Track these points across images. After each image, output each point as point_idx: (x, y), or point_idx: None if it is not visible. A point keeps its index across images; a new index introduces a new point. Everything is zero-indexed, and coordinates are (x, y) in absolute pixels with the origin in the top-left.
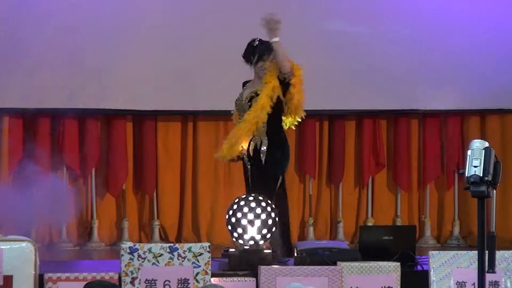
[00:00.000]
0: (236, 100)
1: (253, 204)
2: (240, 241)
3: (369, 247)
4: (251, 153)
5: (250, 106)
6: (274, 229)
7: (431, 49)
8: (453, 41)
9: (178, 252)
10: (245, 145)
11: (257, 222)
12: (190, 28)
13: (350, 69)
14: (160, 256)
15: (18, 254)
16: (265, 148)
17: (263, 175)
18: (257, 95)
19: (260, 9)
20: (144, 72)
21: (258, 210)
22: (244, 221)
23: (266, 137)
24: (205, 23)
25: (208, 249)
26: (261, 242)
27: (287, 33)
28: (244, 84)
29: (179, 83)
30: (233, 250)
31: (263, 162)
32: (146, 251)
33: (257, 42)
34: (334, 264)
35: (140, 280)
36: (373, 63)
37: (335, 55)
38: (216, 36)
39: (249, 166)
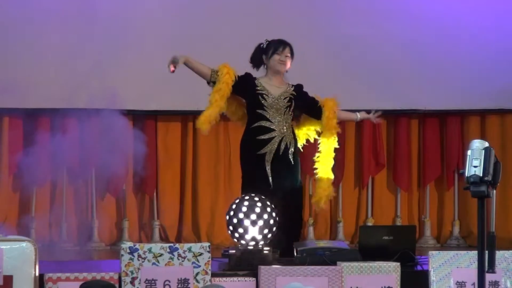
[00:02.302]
0: (265, 95)
1: (255, 204)
2: (242, 241)
3: (369, 247)
4: (281, 152)
5: (288, 107)
6: (274, 229)
7: (431, 49)
8: (453, 41)
9: (178, 252)
10: None
11: (258, 222)
12: (190, 28)
13: (350, 69)
14: (160, 256)
15: (18, 254)
16: (294, 147)
17: (291, 175)
18: (293, 95)
19: (261, 10)
20: (144, 72)
21: (258, 210)
22: (246, 222)
23: (293, 137)
24: (206, 23)
25: (208, 249)
26: (263, 242)
27: (287, 33)
28: (242, 79)
29: (179, 83)
30: (233, 250)
31: (292, 161)
32: (146, 251)
33: (266, 42)
34: (334, 264)
35: (140, 280)
36: (373, 63)
37: (335, 55)
38: (216, 36)
39: (269, 164)
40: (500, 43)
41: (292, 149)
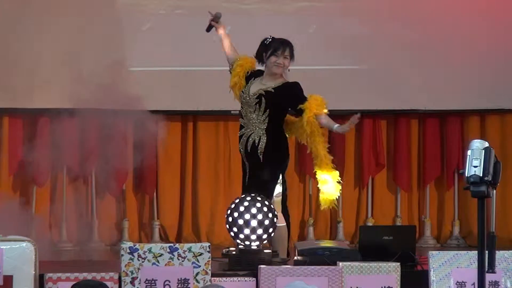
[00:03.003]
0: (242, 92)
1: (256, 204)
2: (243, 241)
3: (369, 247)
4: (249, 150)
5: (257, 104)
6: (272, 229)
7: (431, 49)
8: (453, 41)
9: (178, 252)
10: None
11: (257, 222)
12: (190, 27)
13: (350, 69)
14: (160, 256)
15: (18, 254)
16: (263, 145)
17: (260, 173)
18: (266, 93)
19: (261, 9)
20: (144, 72)
21: (259, 210)
22: (244, 222)
23: (265, 135)
24: (206, 22)
25: (208, 249)
26: (262, 242)
27: (288, 33)
28: (253, 74)
29: (179, 83)
30: (233, 250)
31: (261, 160)
32: (146, 251)
33: (270, 39)
34: (334, 264)
35: (140, 280)
36: (373, 63)
37: (335, 55)
38: (217, 36)
39: (246, 163)
40: (500, 43)
41: (262, 147)
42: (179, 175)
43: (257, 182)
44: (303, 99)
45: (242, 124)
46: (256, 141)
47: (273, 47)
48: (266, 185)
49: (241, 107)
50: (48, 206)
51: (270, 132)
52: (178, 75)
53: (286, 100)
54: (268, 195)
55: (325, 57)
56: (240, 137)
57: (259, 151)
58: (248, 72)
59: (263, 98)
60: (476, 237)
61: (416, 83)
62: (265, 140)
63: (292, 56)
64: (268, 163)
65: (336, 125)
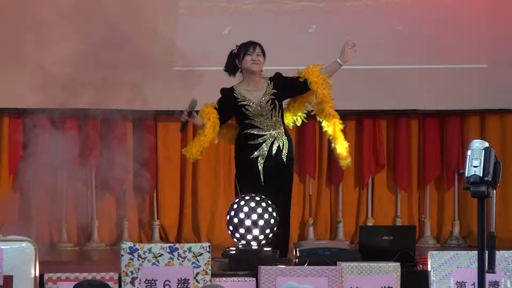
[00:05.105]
0: (246, 108)
1: (257, 204)
2: (243, 241)
3: (369, 247)
4: (273, 154)
5: (273, 109)
6: (274, 229)
7: (431, 49)
8: (453, 41)
9: (178, 252)
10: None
11: (258, 223)
12: (191, 27)
13: (350, 69)
14: (160, 256)
15: (18, 254)
16: (287, 151)
17: (287, 175)
18: (274, 94)
19: (261, 9)
20: (144, 72)
21: (260, 210)
22: (244, 221)
23: (286, 137)
24: (206, 22)
25: (208, 249)
26: (263, 242)
27: (287, 33)
28: (226, 90)
29: (179, 83)
30: (233, 250)
31: (285, 162)
32: (146, 251)
33: (237, 47)
34: (334, 264)
35: (140, 280)
36: (373, 63)
37: (335, 55)
38: (216, 36)
39: (261, 166)
40: (500, 43)
41: (286, 151)
42: (179, 175)
43: (278, 182)
44: (295, 80)
45: (258, 133)
46: (281, 145)
47: (244, 49)
48: (288, 186)
49: (250, 119)
50: (48, 206)
51: (288, 134)
52: (178, 75)
53: (287, 90)
54: (289, 195)
55: (325, 57)
56: (259, 145)
57: (283, 155)
58: (215, 110)
59: (276, 102)
60: (476, 237)
61: (416, 83)
62: (288, 144)
63: (264, 54)
64: (290, 165)
65: (339, 60)
